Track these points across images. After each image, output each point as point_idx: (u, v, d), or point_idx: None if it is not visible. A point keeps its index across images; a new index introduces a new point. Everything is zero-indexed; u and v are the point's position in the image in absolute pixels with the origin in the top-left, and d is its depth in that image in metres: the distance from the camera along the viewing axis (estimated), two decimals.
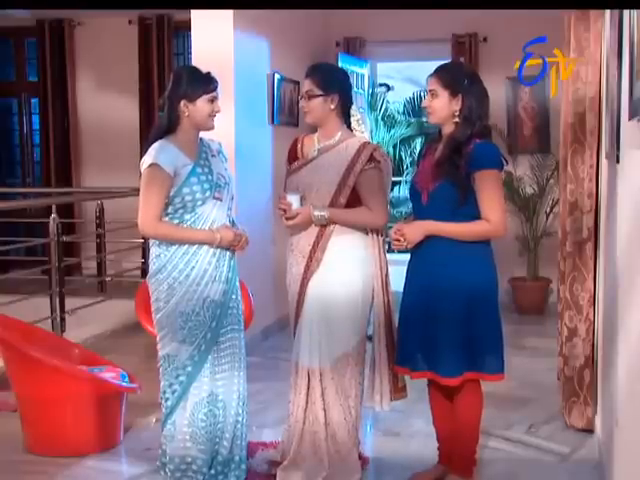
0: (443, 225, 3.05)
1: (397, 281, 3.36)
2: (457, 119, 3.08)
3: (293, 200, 3.21)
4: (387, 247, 3.37)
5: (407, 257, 3.29)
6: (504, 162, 3.14)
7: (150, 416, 4.13)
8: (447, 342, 3.06)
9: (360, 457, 3.47)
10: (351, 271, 3.26)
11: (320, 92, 3.24)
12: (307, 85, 3.27)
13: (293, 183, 3.31)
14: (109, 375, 3.90)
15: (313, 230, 3.24)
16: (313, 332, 3.25)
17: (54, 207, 6.04)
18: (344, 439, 3.30)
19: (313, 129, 3.40)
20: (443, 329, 3.06)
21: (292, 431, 3.33)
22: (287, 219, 3.22)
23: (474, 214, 3.05)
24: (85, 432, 3.77)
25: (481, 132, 3.07)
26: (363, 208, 3.26)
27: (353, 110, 3.38)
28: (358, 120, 3.40)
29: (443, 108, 3.09)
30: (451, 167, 3.03)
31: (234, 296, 3.29)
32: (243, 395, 3.30)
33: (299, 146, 3.39)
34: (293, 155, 3.40)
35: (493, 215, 3.03)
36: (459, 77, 3.08)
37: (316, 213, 3.19)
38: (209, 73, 3.17)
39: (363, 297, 3.28)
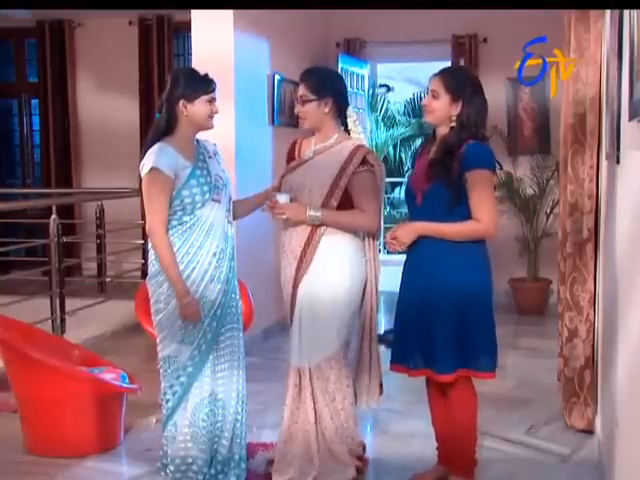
0: (434, 226, 3.06)
1: (393, 281, 3.37)
2: (453, 123, 3.10)
3: (282, 199, 3.23)
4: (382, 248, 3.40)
5: (403, 257, 3.30)
6: (497, 164, 3.14)
7: (150, 417, 4.13)
8: (442, 340, 3.08)
9: (360, 459, 3.47)
10: (339, 272, 3.26)
11: (313, 97, 3.24)
12: (301, 90, 3.28)
13: (287, 183, 3.33)
14: (109, 376, 3.90)
15: (304, 231, 3.25)
16: (302, 332, 3.27)
17: (54, 208, 6.03)
18: (333, 437, 3.30)
19: (312, 131, 3.41)
20: (438, 327, 3.08)
21: (282, 429, 3.35)
22: (276, 214, 3.23)
23: (468, 214, 3.06)
24: (85, 433, 3.77)
25: (475, 137, 3.08)
26: (356, 211, 3.26)
27: (349, 111, 3.40)
28: (355, 121, 3.41)
29: (442, 110, 3.10)
30: (443, 169, 3.04)
31: (234, 295, 3.29)
32: (242, 394, 3.31)
33: (297, 148, 3.41)
34: (291, 156, 3.42)
35: (483, 215, 3.03)
36: (463, 84, 3.10)
37: (311, 213, 3.20)
38: (207, 74, 3.18)
39: (350, 299, 3.28)
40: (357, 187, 3.23)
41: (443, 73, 3.15)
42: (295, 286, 3.28)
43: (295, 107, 3.34)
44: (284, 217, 3.22)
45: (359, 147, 3.28)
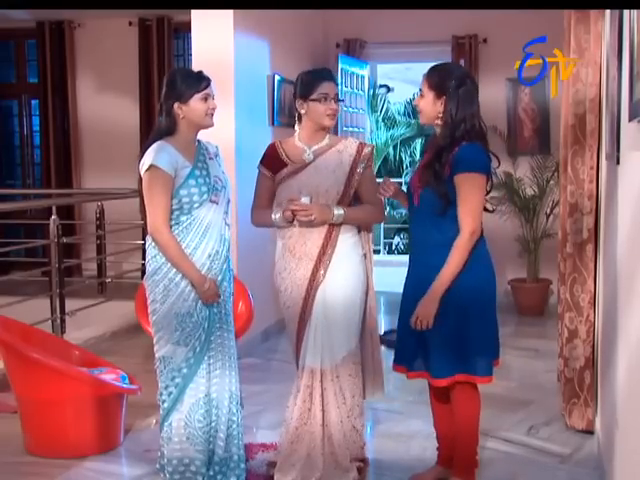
0: (441, 279, 3.00)
1: (394, 282, 3.37)
2: (439, 120, 3.08)
3: (306, 201, 3.24)
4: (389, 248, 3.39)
5: (404, 258, 3.31)
6: (490, 165, 3.09)
7: (150, 417, 4.13)
8: (439, 343, 3.07)
9: (362, 459, 3.47)
10: (355, 271, 3.32)
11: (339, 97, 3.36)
12: (334, 89, 3.32)
13: (293, 187, 3.30)
14: (109, 377, 3.90)
15: (320, 232, 3.27)
16: (317, 333, 3.28)
17: (54, 208, 6.03)
18: (340, 442, 3.31)
19: (289, 134, 3.43)
20: (436, 330, 3.07)
21: (289, 429, 3.35)
22: (303, 216, 3.21)
23: None
24: (85, 434, 3.77)
25: (469, 135, 3.03)
26: (367, 205, 3.35)
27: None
28: None
29: (427, 108, 3.10)
30: (432, 174, 3.03)
31: (224, 297, 3.25)
32: (236, 395, 3.28)
33: (281, 152, 3.38)
34: (278, 161, 3.36)
35: (466, 224, 3.00)
36: (446, 79, 3.05)
37: (336, 212, 3.24)
38: (200, 72, 3.16)
39: (361, 296, 3.35)
40: (365, 183, 3.34)
41: (429, 70, 3.14)
42: (311, 288, 3.28)
43: (330, 104, 3.27)
44: (312, 218, 3.21)
45: (363, 145, 3.37)
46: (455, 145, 3.02)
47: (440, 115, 3.06)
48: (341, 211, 3.25)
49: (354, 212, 3.31)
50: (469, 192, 3.00)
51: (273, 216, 3.30)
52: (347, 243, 3.31)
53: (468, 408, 3.21)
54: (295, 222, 3.26)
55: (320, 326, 3.28)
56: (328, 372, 3.28)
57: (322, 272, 3.27)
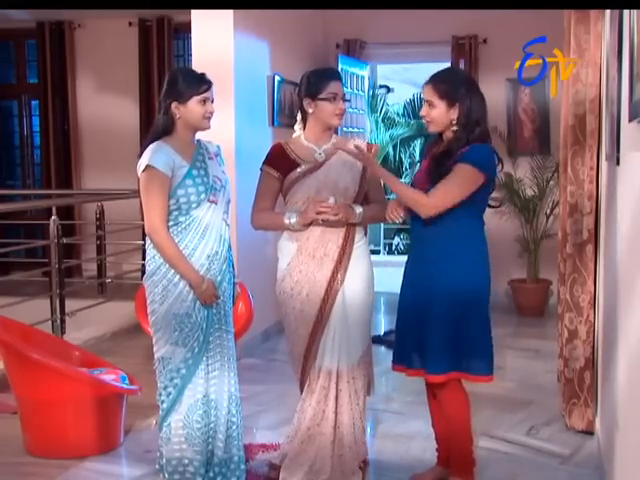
0: (392, 177, 3.16)
1: (393, 282, 3.39)
2: (455, 127, 3.09)
3: (332, 201, 3.24)
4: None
5: (404, 258, 3.35)
6: (495, 167, 3.11)
7: (150, 418, 4.12)
8: (435, 341, 3.09)
9: (363, 460, 3.46)
10: (369, 271, 3.37)
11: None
12: (342, 89, 3.31)
13: (311, 187, 3.28)
14: (109, 377, 3.90)
15: (338, 232, 3.27)
16: (335, 335, 3.28)
17: (54, 209, 6.04)
18: (351, 444, 3.31)
19: (289, 134, 3.44)
20: (432, 327, 3.09)
21: (300, 429, 3.34)
22: (332, 216, 3.20)
23: (472, 214, 3.07)
24: (85, 434, 3.77)
25: (480, 137, 3.07)
26: (376, 203, 3.38)
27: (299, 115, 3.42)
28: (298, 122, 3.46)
29: (441, 118, 3.09)
30: (443, 170, 3.04)
31: (224, 298, 3.24)
32: (235, 395, 3.28)
33: (290, 151, 3.35)
34: (287, 162, 3.32)
35: (436, 197, 3.00)
36: (455, 86, 3.07)
37: (357, 211, 3.27)
38: (203, 74, 3.14)
39: (373, 293, 3.40)
40: (374, 181, 3.39)
41: (433, 80, 3.11)
42: (331, 289, 3.26)
43: (339, 103, 3.27)
44: (340, 217, 3.21)
45: (371, 145, 3.43)
46: (468, 145, 3.04)
47: (454, 122, 3.07)
48: (360, 209, 3.28)
49: (369, 210, 3.33)
50: (457, 179, 2.99)
51: (287, 220, 3.26)
52: (361, 243, 3.35)
53: (457, 409, 3.22)
54: (320, 222, 3.23)
55: (339, 327, 3.27)
56: (345, 373, 3.28)
57: (342, 272, 3.27)
